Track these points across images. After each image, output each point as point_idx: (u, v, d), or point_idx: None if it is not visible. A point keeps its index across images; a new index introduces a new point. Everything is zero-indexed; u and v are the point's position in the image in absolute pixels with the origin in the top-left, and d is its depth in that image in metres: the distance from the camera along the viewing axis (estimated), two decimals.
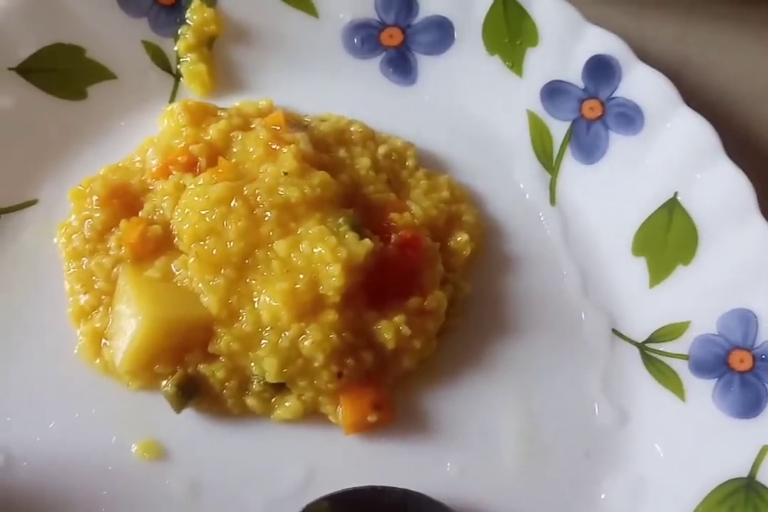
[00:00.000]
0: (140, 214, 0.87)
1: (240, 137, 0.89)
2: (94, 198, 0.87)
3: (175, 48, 1.00)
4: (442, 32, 1.00)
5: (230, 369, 0.82)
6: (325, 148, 0.92)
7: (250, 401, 0.82)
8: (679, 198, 0.90)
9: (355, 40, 1.01)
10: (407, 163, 0.96)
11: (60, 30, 0.96)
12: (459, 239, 0.92)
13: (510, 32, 0.98)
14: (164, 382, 0.81)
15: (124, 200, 0.87)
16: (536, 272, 0.93)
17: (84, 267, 0.86)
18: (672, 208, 0.90)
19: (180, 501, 0.80)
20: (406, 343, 0.83)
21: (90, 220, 0.86)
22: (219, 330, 0.81)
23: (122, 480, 0.80)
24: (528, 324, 0.90)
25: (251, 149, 0.87)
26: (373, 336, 0.82)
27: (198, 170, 0.87)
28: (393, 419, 0.84)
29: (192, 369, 0.82)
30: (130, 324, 0.79)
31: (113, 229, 0.86)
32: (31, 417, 0.82)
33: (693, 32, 1.08)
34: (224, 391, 0.82)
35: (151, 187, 0.89)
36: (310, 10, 1.01)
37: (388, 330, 0.82)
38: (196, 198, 0.83)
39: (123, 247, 0.85)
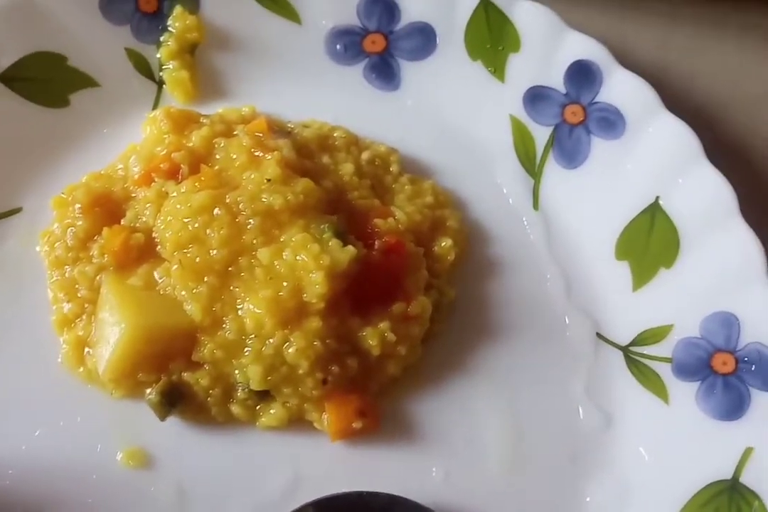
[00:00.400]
0: (123, 221, 0.87)
1: (223, 144, 0.89)
2: (77, 206, 0.87)
3: (158, 55, 1.00)
4: (424, 38, 1.00)
5: (214, 377, 0.81)
6: (309, 154, 0.92)
7: (235, 409, 0.82)
8: (660, 202, 0.91)
9: (338, 47, 1.01)
10: (391, 169, 0.96)
11: (42, 38, 0.96)
12: (443, 244, 0.92)
13: (492, 38, 0.99)
14: (148, 390, 0.81)
15: (107, 208, 0.87)
16: (520, 277, 0.94)
17: (67, 275, 0.86)
18: (654, 212, 0.91)
19: (166, 509, 0.80)
20: (391, 349, 0.83)
21: (72, 228, 0.86)
22: (202, 338, 0.81)
23: (108, 488, 0.80)
24: (512, 328, 0.91)
25: (234, 156, 0.87)
26: (357, 343, 0.82)
27: (180, 177, 0.87)
28: (378, 425, 0.84)
29: (176, 377, 0.81)
30: (113, 333, 0.79)
31: (96, 237, 0.86)
32: (15, 425, 0.82)
33: (675, 37, 1.09)
34: (208, 399, 0.82)
35: (133, 195, 0.89)
36: (293, 16, 1.01)
37: (373, 336, 0.82)
38: (178, 206, 0.83)
39: (106, 255, 0.84)
